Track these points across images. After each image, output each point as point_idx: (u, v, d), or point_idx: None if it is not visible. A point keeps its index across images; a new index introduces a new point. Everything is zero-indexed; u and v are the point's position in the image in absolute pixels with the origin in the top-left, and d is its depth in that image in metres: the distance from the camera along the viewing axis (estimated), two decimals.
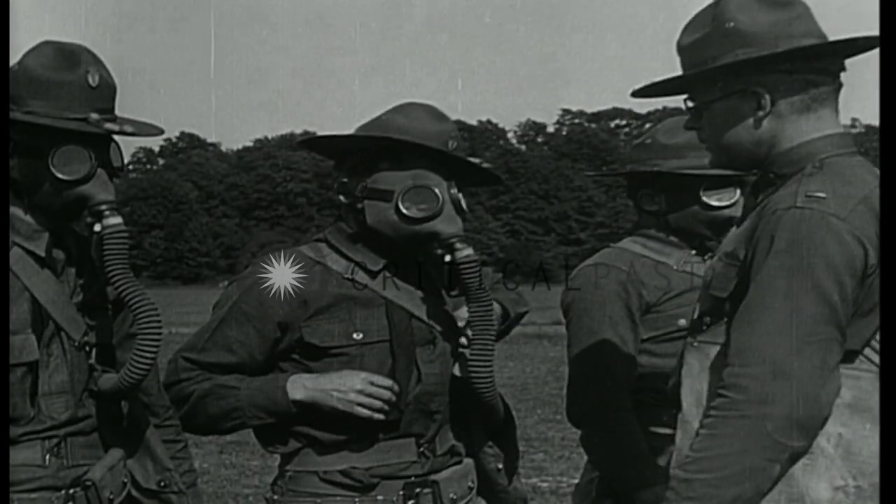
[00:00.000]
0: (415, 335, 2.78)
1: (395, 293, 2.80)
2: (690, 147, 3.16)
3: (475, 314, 2.76)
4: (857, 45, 2.33)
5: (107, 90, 2.61)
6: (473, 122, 76.08)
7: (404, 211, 2.73)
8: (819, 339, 2.18)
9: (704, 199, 3.28)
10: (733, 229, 2.44)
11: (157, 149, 78.04)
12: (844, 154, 2.33)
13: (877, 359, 2.24)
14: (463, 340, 2.78)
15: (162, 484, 2.75)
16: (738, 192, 3.26)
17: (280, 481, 2.81)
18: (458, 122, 2.88)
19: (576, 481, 3.61)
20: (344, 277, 2.79)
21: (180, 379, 2.79)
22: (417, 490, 2.78)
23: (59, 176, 2.56)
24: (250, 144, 77.85)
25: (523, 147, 79.06)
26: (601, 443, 3.25)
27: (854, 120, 51.58)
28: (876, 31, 2.30)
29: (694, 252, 3.33)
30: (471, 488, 2.88)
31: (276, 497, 2.81)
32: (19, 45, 2.60)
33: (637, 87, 2.44)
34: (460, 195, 2.77)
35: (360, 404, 2.70)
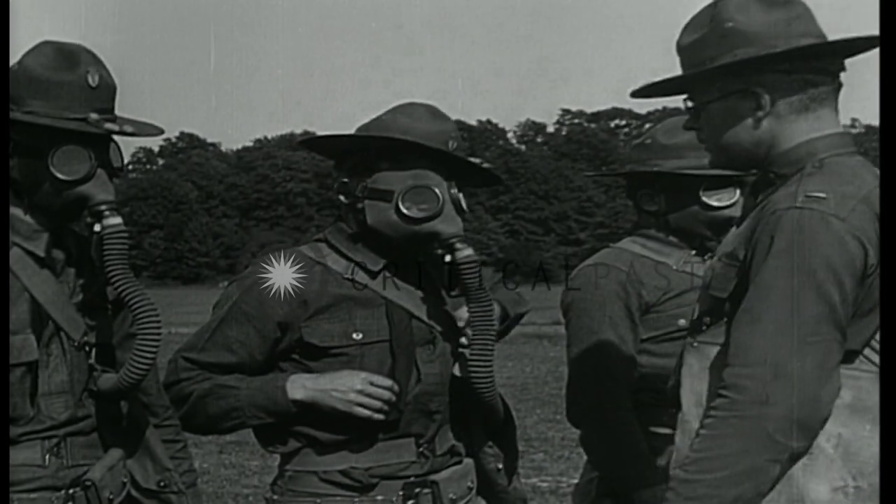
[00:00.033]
0: (415, 335, 2.78)
1: (395, 293, 2.80)
2: (690, 147, 3.16)
3: (475, 314, 2.76)
4: (855, 46, 2.33)
5: (106, 90, 2.61)
6: (473, 122, 76.15)
7: (405, 211, 2.73)
8: (819, 339, 2.18)
9: (704, 199, 3.28)
10: (733, 229, 2.44)
11: (156, 149, 78.13)
12: (844, 154, 2.33)
13: (877, 359, 2.23)
14: (463, 340, 2.78)
15: (161, 484, 2.75)
16: (738, 192, 3.26)
17: (279, 481, 2.81)
18: (458, 122, 2.88)
19: (575, 481, 3.61)
20: (344, 277, 2.79)
21: (180, 379, 2.79)
22: (417, 490, 2.78)
23: (59, 176, 2.56)
24: (250, 144, 77.95)
25: (523, 147, 79.10)
26: (601, 443, 3.25)
27: (854, 120, 51.59)
28: (875, 31, 2.30)
29: (694, 252, 3.32)
30: (470, 488, 2.88)
31: (275, 497, 2.81)
32: (19, 45, 2.60)
33: (636, 87, 2.44)
34: (461, 195, 2.77)
35: (359, 404, 2.70)
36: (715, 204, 3.28)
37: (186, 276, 70.01)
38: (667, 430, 2.92)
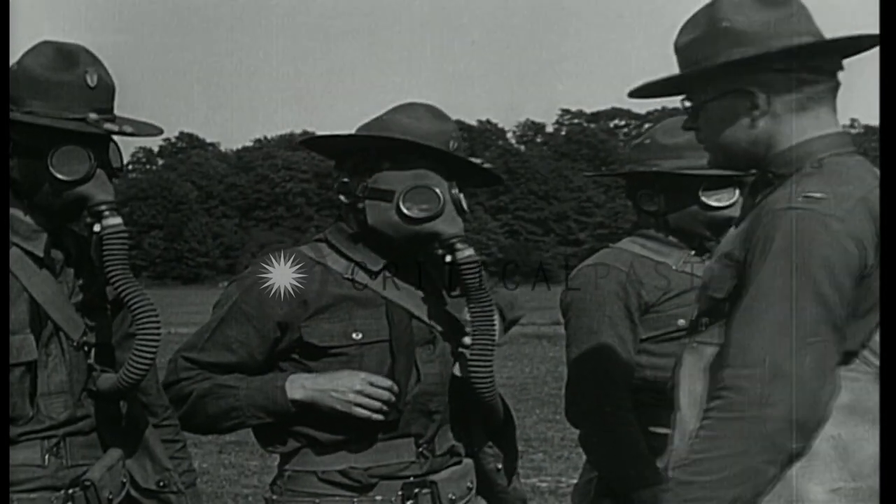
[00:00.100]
0: (414, 335, 2.78)
1: (395, 293, 2.80)
2: (689, 147, 3.16)
3: (475, 314, 2.76)
4: (851, 44, 2.33)
5: (105, 90, 2.61)
6: (473, 122, 76.14)
7: (405, 211, 2.73)
8: (818, 340, 2.17)
9: (703, 199, 3.29)
10: (732, 230, 2.44)
11: (156, 149, 78.11)
12: (844, 154, 2.33)
13: (874, 360, 2.23)
14: (466, 340, 2.78)
15: (161, 484, 2.75)
16: (738, 192, 3.26)
17: (279, 481, 2.81)
18: (458, 122, 2.88)
19: (574, 481, 3.61)
20: (344, 277, 2.79)
21: (180, 378, 2.79)
22: (416, 490, 2.78)
23: (59, 176, 2.56)
24: (249, 144, 77.94)
25: (522, 147, 79.08)
26: (600, 443, 3.24)
27: (853, 120, 51.59)
28: (870, 30, 2.29)
29: (693, 252, 3.33)
30: (470, 489, 2.88)
31: (274, 497, 2.81)
32: (19, 45, 2.60)
33: (633, 86, 2.44)
34: (461, 195, 2.77)
35: (358, 404, 2.70)
36: (714, 204, 3.28)
37: (186, 276, 70.01)
38: (667, 431, 2.90)
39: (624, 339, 3.24)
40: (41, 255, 2.60)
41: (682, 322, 3.14)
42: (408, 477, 2.78)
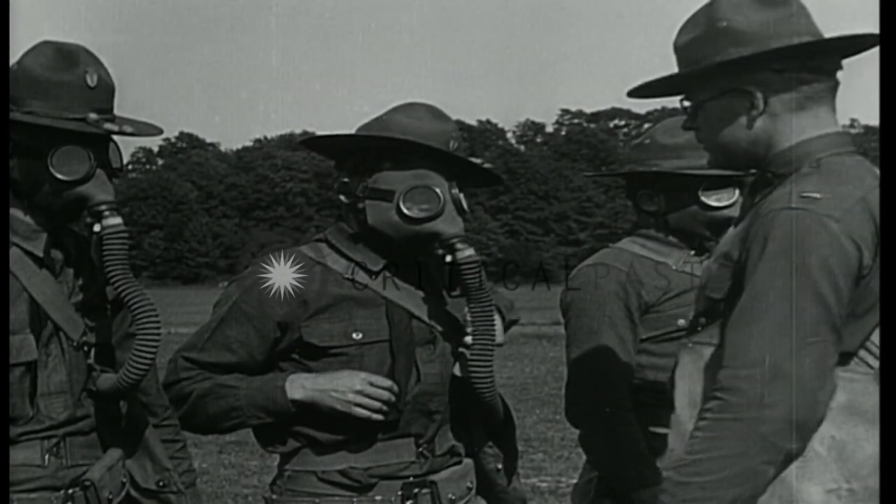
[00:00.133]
0: (414, 335, 2.78)
1: (395, 293, 2.80)
2: (689, 147, 3.16)
3: (476, 314, 2.76)
4: (849, 44, 2.33)
5: (105, 90, 2.61)
6: (473, 122, 76.11)
7: (405, 211, 2.73)
8: (816, 340, 2.17)
9: (703, 199, 3.29)
10: (730, 230, 2.44)
11: (156, 149, 78.05)
12: (843, 153, 2.32)
13: (871, 361, 2.23)
14: (468, 340, 2.78)
15: (161, 484, 2.75)
16: (737, 192, 3.26)
17: (279, 481, 2.81)
18: (458, 122, 2.88)
19: (574, 481, 3.61)
20: (344, 277, 2.79)
21: (180, 378, 2.79)
22: (416, 490, 2.78)
23: (59, 176, 2.56)
24: (249, 144, 77.87)
25: (522, 147, 79.05)
26: (600, 443, 3.25)
27: (853, 120, 51.56)
28: (869, 29, 2.29)
29: (693, 252, 3.33)
30: (469, 489, 2.88)
31: (274, 497, 2.81)
32: (19, 45, 2.60)
33: (632, 86, 2.44)
34: (461, 195, 2.77)
35: (358, 404, 2.70)
36: (714, 204, 3.28)
37: (186, 276, 70.00)
38: (667, 431, 2.91)
39: (624, 339, 3.24)
40: (41, 255, 2.60)
41: (682, 322, 3.14)
42: (408, 477, 2.78)
